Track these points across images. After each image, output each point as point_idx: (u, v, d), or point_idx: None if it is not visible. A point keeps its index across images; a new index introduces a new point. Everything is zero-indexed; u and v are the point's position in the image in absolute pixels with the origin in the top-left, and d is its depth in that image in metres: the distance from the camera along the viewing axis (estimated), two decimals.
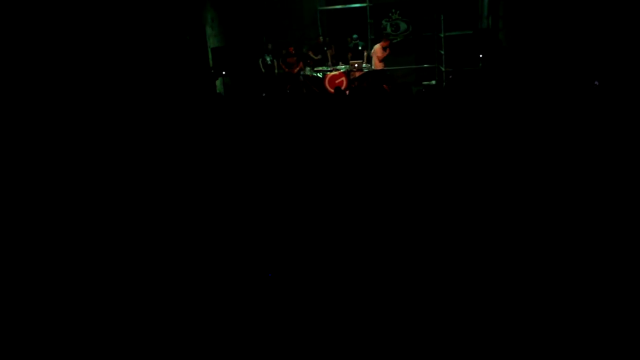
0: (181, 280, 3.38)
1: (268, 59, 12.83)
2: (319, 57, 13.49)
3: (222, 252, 3.73)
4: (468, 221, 3.98)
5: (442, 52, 12.95)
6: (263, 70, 12.86)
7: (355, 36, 13.41)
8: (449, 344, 2.77)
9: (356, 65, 12.32)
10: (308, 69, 12.98)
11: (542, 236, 3.64)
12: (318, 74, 12.63)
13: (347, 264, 3.52)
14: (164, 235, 3.94)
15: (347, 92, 11.04)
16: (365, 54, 13.20)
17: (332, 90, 11.98)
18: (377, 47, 12.51)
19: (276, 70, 13.12)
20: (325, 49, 13.49)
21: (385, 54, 12.41)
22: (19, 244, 3.64)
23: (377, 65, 12.46)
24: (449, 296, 3.14)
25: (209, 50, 11.00)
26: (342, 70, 12.51)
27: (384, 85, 10.38)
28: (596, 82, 6.08)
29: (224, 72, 10.76)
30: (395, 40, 13.63)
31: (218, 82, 11.28)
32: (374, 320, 2.95)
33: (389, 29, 13.98)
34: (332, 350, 2.77)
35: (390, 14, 13.88)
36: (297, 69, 12.83)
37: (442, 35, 12.84)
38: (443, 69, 12.99)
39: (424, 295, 3.16)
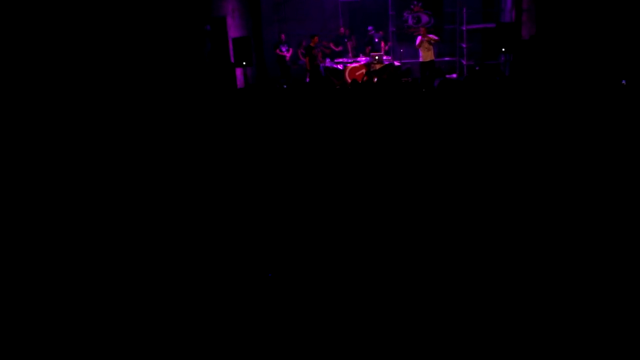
0: (181, 280, 3.39)
1: (284, 49, 12.81)
2: (340, 48, 13.45)
3: (223, 252, 3.73)
4: (477, 220, 3.96)
5: (464, 46, 12.83)
6: (278, 60, 12.89)
7: (370, 28, 13.33)
8: (449, 344, 2.76)
9: (377, 57, 12.26)
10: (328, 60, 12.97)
11: (563, 234, 3.62)
12: (338, 66, 12.60)
13: (348, 264, 3.51)
14: (166, 233, 3.95)
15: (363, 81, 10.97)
16: (384, 46, 13.11)
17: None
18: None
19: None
20: (346, 40, 13.43)
21: (423, 41, 12.11)
22: (20, 244, 3.65)
23: (424, 56, 12.22)
24: (449, 296, 3.13)
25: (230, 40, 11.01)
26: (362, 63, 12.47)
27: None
28: (623, 82, 5.99)
29: (244, 63, 10.78)
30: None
31: (240, 73, 11.29)
32: (374, 320, 2.95)
33: (410, 22, 13.87)
34: (332, 350, 2.78)
35: (412, 6, 13.76)
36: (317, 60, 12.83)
37: (464, 28, 12.72)
38: (464, 63, 12.89)
39: (424, 295, 3.16)
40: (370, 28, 13.39)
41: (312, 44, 12.37)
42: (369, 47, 13.00)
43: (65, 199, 4.30)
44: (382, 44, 13.16)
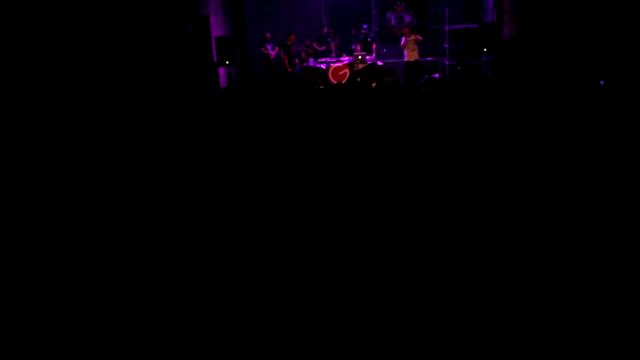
0: (181, 280, 3.38)
1: (269, 47, 12.78)
2: (323, 48, 13.45)
3: (222, 252, 3.73)
4: (469, 220, 3.99)
5: (446, 46, 12.91)
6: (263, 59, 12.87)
7: (365, 26, 13.35)
8: (449, 344, 2.78)
9: (359, 57, 12.28)
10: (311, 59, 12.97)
11: (543, 235, 3.66)
12: (321, 65, 12.61)
13: (348, 264, 3.53)
14: (164, 234, 3.93)
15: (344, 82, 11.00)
16: (374, 46, 13.14)
17: (336, 82, 11.96)
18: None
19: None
20: (329, 40, 13.45)
21: (409, 41, 12.17)
22: (18, 244, 3.63)
23: (409, 55, 12.27)
24: (449, 296, 3.15)
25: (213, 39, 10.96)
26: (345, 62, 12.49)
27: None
28: (602, 82, 6.08)
29: (227, 62, 10.74)
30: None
31: (223, 72, 11.24)
32: (374, 320, 2.96)
33: (393, 21, 13.92)
34: (332, 350, 2.79)
35: (395, 6, 13.80)
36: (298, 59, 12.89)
37: (446, 28, 12.80)
38: (447, 62, 12.97)
39: (424, 295, 3.18)
40: (364, 26, 13.40)
41: (288, 42, 12.40)
42: (360, 46, 13.01)
43: (45, 198, 4.27)
44: (374, 45, 13.17)
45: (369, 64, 12.31)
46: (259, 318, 3.01)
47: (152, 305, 3.15)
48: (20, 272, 3.38)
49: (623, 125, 5.01)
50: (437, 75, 13.13)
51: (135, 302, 3.18)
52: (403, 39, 12.24)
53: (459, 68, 12.42)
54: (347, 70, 12.26)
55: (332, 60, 12.73)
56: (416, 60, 12.24)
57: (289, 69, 12.50)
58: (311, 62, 12.88)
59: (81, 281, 3.33)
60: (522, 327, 2.83)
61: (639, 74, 6.17)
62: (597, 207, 3.91)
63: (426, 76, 12.02)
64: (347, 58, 12.80)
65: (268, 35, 12.92)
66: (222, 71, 11.26)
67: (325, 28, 13.64)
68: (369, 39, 13.17)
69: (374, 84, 8.34)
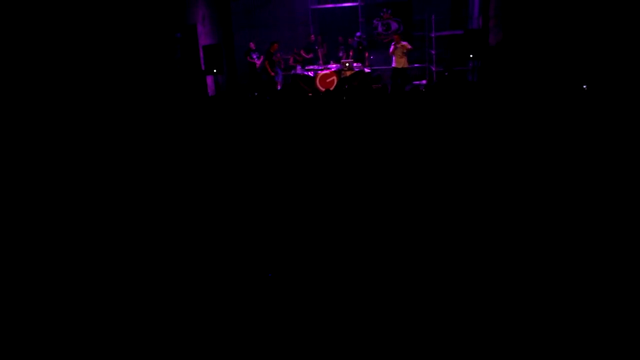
0: (180, 281, 3.38)
1: (254, 56, 12.79)
2: (311, 55, 13.50)
3: (222, 252, 3.73)
4: (458, 221, 4.02)
5: (433, 52, 13.00)
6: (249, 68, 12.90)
7: (358, 34, 13.41)
8: (449, 344, 2.79)
9: (347, 64, 12.33)
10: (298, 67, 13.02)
11: (528, 236, 3.68)
12: (309, 73, 12.65)
13: (347, 264, 3.54)
14: (162, 236, 3.93)
15: (332, 89, 11.05)
16: (367, 53, 13.20)
17: (323, 89, 12.01)
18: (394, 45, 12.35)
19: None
20: (317, 47, 13.50)
21: (398, 47, 12.12)
22: (16, 245, 3.63)
23: (398, 62, 12.22)
24: (449, 296, 3.16)
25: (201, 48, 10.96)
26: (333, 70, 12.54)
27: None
28: (584, 87, 6.15)
29: (215, 70, 10.75)
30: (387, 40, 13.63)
31: (211, 80, 11.24)
32: (374, 320, 2.97)
33: (380, 29, 14.00)
34: (332, 350, 2.79)
35: (381, 14, 13.89)
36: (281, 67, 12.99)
37: (432, 35, 12.89)
38: (434, 69, 13.05)
39: (424, 295, 3.19)
40: (358, 34, 13.46)
41: (271, 50, 12.47)
42: (352, 52, 13.06)
43: (34, 203, 4.25)
44: (367, 53, 13.22)
45: (357, 71, 12.37)
46: (259, 318, 3.02)
47: (151, 307, 3.15)
48: (19, 271, 3.38)
49: (606, 128, 5.07)
50: (424, 82, 13.20)
51: (134, 303, 3.18)
52: (392, 45, 12.29)
53: (446, 74, 12.51)
54: (334, 78, 12.31)
55: (320, 68, 12.77)
56: (404, 68, 12.28)
57: (272, 74, 12.57)
58: (299, 69, 12.91)
59: (80, 282, 3.33)
60: (521, 326, 2.85)
61: (621, 79, 6.26)
62: (582, 209, 3.95)
63: (414, 82, 12.09)
64: (334, 65, 12.85)
65: (252, 45, 12.89)
66: (209, 79, 11.26)
67: (312, 36, 13.69)
68: (360, 47, 13.23)
69: None
